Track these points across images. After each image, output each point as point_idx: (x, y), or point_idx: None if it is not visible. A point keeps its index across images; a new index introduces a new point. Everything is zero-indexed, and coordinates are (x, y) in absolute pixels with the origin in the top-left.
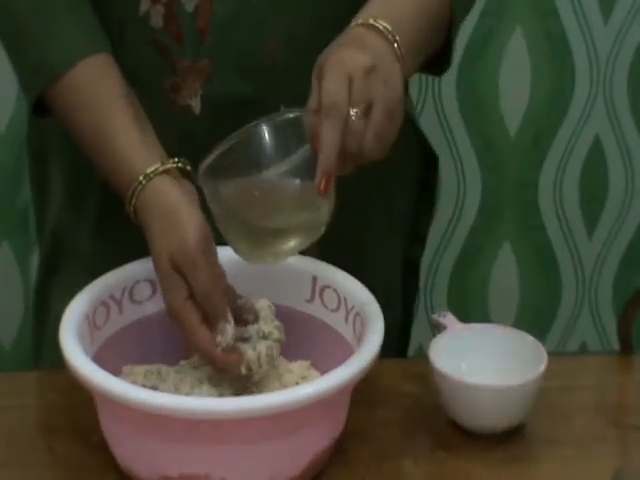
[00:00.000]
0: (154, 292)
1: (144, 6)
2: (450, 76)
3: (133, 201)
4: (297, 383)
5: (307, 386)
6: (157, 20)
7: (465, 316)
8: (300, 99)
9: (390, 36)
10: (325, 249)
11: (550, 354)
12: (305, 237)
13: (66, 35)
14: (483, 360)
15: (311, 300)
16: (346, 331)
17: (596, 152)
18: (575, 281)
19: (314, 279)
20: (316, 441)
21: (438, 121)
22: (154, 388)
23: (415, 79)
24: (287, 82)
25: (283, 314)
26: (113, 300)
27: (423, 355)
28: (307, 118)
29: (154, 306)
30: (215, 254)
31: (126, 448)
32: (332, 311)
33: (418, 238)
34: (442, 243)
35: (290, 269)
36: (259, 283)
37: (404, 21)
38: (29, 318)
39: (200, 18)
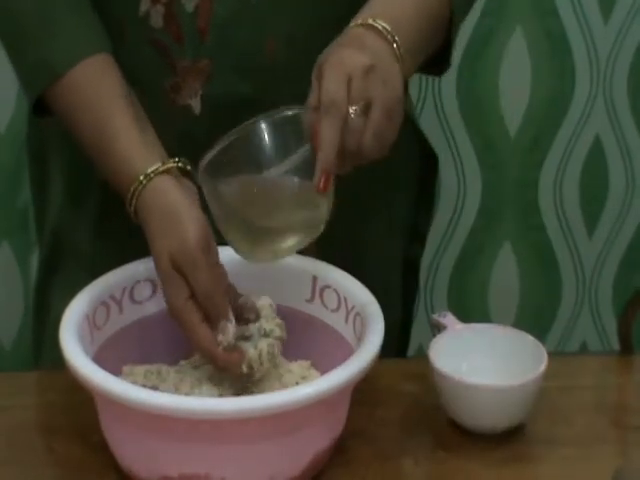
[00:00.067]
0: (154, 292)
1: (144, 6)
2: (450, 76)
3: (134, 201)
4: (297, 383)
5: (307, 386)
6: (157, 20)
7: (465, 316)
8: (300, 99)
9: (389, 36)
10: (325, 249)
11: (550, 354)
12: (304, 236)
13: (67, 35)
14: (483, 360)
15: (311, 300)
16: (346, 331)
17: (596, 152)
18: (575, 281)
19: (314, 279)
20: (316, 441)
21: (438, 121)
22: (154, 388)
23: (415, 79)
24: (287, 82)
25: (283, 314)
26: (113, 300)
27: (423, 355)
28: (306, 117)
29: (154, 306)
30: (216, 253)
31: (126, 448)
32: (332, 311)
33: (418, 238)
34: (442, 243)
35: (290, 269)
36: (259, 283)
37: (404, 21)
38: (29, 318)
39: (200, 18)
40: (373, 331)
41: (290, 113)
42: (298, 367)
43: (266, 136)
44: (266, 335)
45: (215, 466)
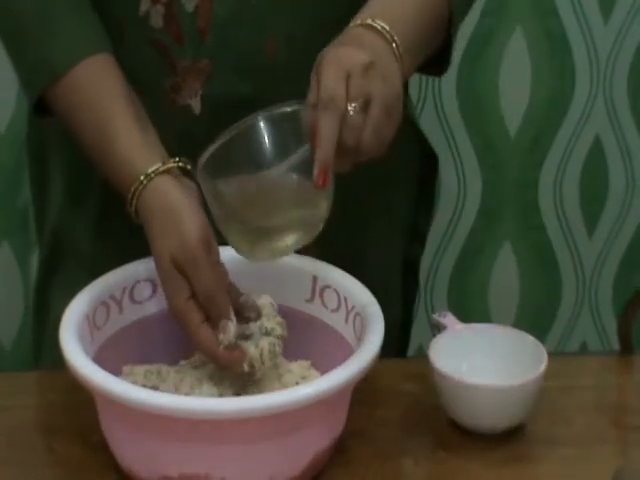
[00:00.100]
0: (154, 292)
1: (144, 6)
2: (450, 76)
3: (134, 201)
4: (297, 383)
5: (307, 386)
6: (157, 20)
7: (465, 316)
8: (300, 99)
9: (388, 36)
10: (325, 249)
11: (550, 354)
12: (303, 234)
13: (67, 35)
14: (483, 360)
15: (311, 300)
16: (346, 331)
17: (596, 152)
18: (575, 281)
19: (314, 279)
20: (316, 441)
21: (438, 121)
22: (154, 388)
23: (415, 79)
24: (287, 82)
25: (283, 314)
26: (113, 300)
27: (423, 355)
28: (305, 115)
29: (154, 306)
30: (217, 253)
31: (126, 448)
32: (332, 311)
33: (418, 238)
34: (442, 243)
35: (290, 269)
36: (259, 283)
37: (403, 21)
38: (29, 318)
39: (200, 18)
40: (373, 331)
41: (289, 109)
42: (298, 367)
43: (265, 133)
44: (267, 334)
45: (215, 466)
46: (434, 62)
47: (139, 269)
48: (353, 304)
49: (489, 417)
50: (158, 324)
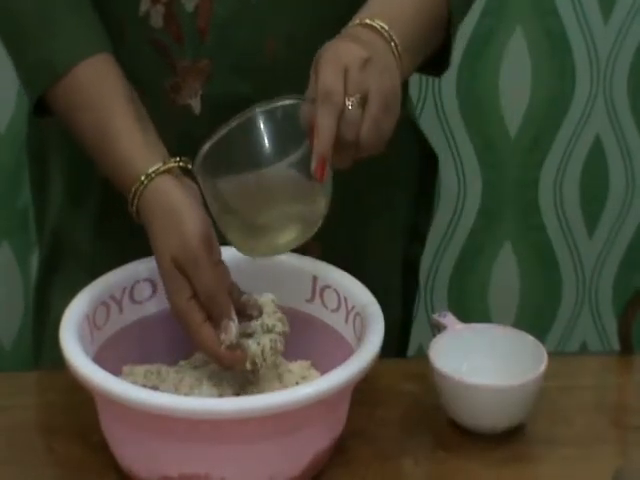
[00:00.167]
0: (154, 292)
1: (144, 6)
2: (450, 76)
3: (135, 201)
4: (297, 383)
5: (307, 386)
6: (157, 20)
7: (465, 316)
8: (298, 94)
9: (387, 35)
10: (326, 249)
11: (550, 354)
12: (302, 230)
13: (68, 35)
14: (483, 360)
15: (311, 300)
16: (346, 331)
17: (596, 152)
18: (575, 281)
19: (314, 279)
20: (316, 441)
21: (438, 121)
22: (154, 388)
23: (415, 79)
24: (287, 82)
25: (283, 314)
26: (113, 300)
27: (423, 355)
28: (303, 111)
29: (154, 306)
30: (218, 252)
31: (126, 448)
32: (332, 311)
33: (418, 237)
34: (442, 243)
35: (290, 269)
36: (259, 282)
37: (402, 21)
38: (29, 318)
39: (200, 18)
40: (373, 331)
41: (287, 103)
42: (298, 367)
43: (262, 128)
44: (268, 331)
45: (215, 466)
46: (434, 62)
47: (139, 269)
48: (353, 304)
49: (489, 417)
50: (158, 324)
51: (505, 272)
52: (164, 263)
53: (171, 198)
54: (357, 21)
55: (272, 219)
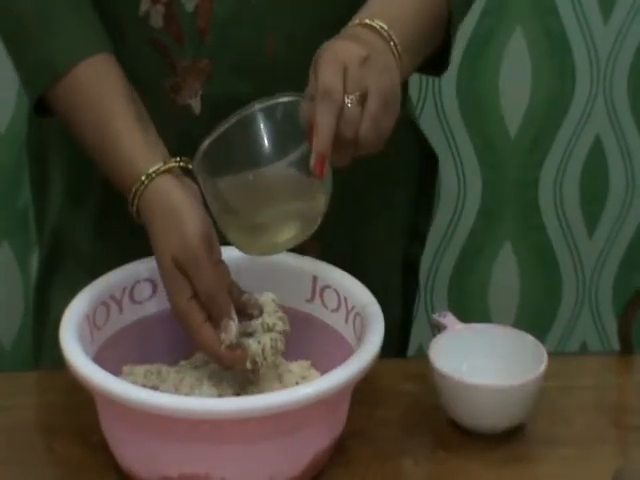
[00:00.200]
0: (154, 292)
1: (144, 6)
2: (450, 76)
3: (136, 201)
4: (297, 383)
5: (307, 386)
6: (157, 20)
7: (465, 316)
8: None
9: (386, 35)
10: (325, 249)
11: (550, 354)
12: (302, 228)
13: (68, 35)
14: (483, 360)
15: (311, 300)
16: (346, 331)
17: (596, 152)
18: (575, 281)
19: (314, 279)
20: (316, 441)
21: (438, 121)
22: (154, 388)
23: (415, 79)
24: (287, 82)
25: (284, 313)
26: (113, 300)
27: (423, 355)
28: (303, 109)
29: (154, 306)
30: (218, 251)
31: (126, 448)
32: (332, 311)
33: (418, 237)
34: (442, 243)
35: (290, 269)
36: (259, 283)
37: (402, 21)
38: (29, 318)
39: (200, 18)
40: (373, 331)
41: (286, 100)
42: (298, 367)
43: (262, 126)
44: (269, 330)
45: (215, 466)
46: (433, 62)
47: (139, 269)
48: (353, 304)
49: (489, 417)
50: (158, 324)
51: (505, 272)
52: (164, 263)
53: (171, 198)
54: (357, 21)
55: (271, 217)
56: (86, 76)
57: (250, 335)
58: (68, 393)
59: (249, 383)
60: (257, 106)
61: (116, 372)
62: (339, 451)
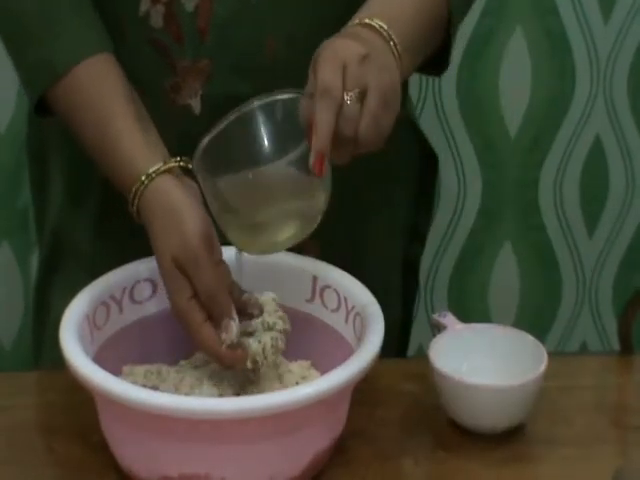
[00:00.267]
0: (154, 292)
1: (144, 6)
2: (450, 76)
3: (136, 201)
4: (297, 383)
5: (307, 386)
6: (157, 20)
7: (465, 316)
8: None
9: (386, 35)
10: (325, 249)
11: (550, 354)
12: (302, 226)
13: (69, 35)
14: (483, 360)
15: (311, 300)
16: (346, 331)
17: (596, 152)
18: (575, 281)
19: (314, 279)
20: (316, 441)
21: (438, 121)
22: (154, 388)
23: (415, 79)
24: (287, 82)
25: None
26: (113, 300)
27: (423, 355)
28: (302, 108)
29: (154, 306)
30: (218, 251)
31: (126, 448)
32: (332, 311)
33: (418, 237)
34: (442, 243)
35: (290, 269)
36: (259, 283)
37: (402, 21)
38: (29, 318)
39: (200, 18)
40: (373, 331)
41: (286, 97)
42: (298, 367)
43: (261, 124)
44: (269, 328)
45: (215, 466)
46: (434, 62)
47: (139, 269)
48: (353, 304)
49: (489, 417)
50: (158, 324)
51: (505, 272)
52: (165, 263)
53: (171, 198)
54: (356, 20)
55: (271, 216)
56: (86, 76)
57: (250, 334)
58: (68, 393)
59: (249, 383)
60: (256, 103)
61: (116, 372)
62: (339, 451)
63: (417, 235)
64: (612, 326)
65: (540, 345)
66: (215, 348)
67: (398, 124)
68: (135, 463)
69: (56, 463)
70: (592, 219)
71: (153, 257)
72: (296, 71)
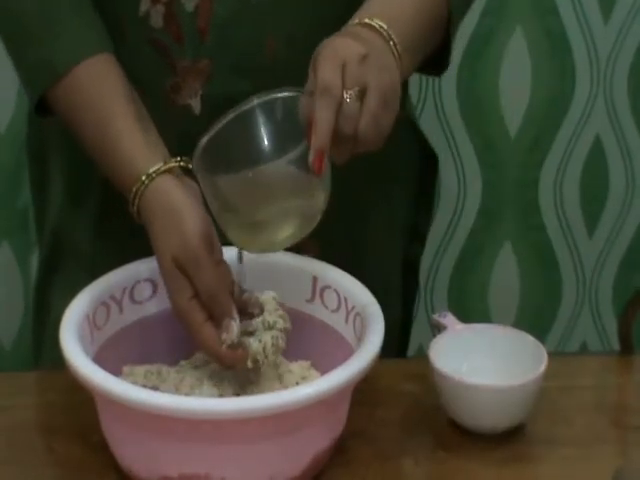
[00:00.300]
0: (154, 292)
1: (144, 6)
2: (450, 76)
3: (136, 201)
4: (297, 383)
5: (307, 386)
6: (157, 20)
7: (465, 316)
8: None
9: (386, 34)
10: (325, 249)
11: (550, 354)
12: (301, 225)
13: (69, 35)
14: (483, 360)
15: (311, 300)
16: (346, 331)
17: (596, 152)
18: (575, 281)
19: (314, 279)
20: (316, 441)
21: (438, 121)
22: (154, 388)
23: (415, 79)
24: (287, 82)
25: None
26: (113, 300)
27: (423, 355)
28: (302, 105)
29: (154, 306)
30: (219, 251)
31: (126, 448)
32: (332, 311)
33: (418, 237)
34: (442, 244)
35: (290, 269)
36: (259, 283)
37: (402, 21)
38: (29, 318)
39: (200, 18)
40: (373, 331)
41: (285, 95)
42: (298, 367)
43: (261, 123)
44: (270, 328)
45: (215, 466)
46: (434, 62)
47: (139, 269)
48: (353, 304)
49: (489, 417)
50: (158, 324)
51: (505, 272)
52: (165, 263)
53: (172, 198)
54: (356, 20)
55: (271, 215)
56: (86, 76)
57: (251, 334)
58: (68, 393)
59: (249, 383)
60: (256, 101)
61: (116, 372)
62: (339, 451)
63: (417, 235)
64: (612, 326)
65: (540, 345)
66: (216, 348)
67: (398, 124)
68: (135, 463)
69: (56, 463)
70: (592, 219)
71: (153, 257)
72: (296, 71)
